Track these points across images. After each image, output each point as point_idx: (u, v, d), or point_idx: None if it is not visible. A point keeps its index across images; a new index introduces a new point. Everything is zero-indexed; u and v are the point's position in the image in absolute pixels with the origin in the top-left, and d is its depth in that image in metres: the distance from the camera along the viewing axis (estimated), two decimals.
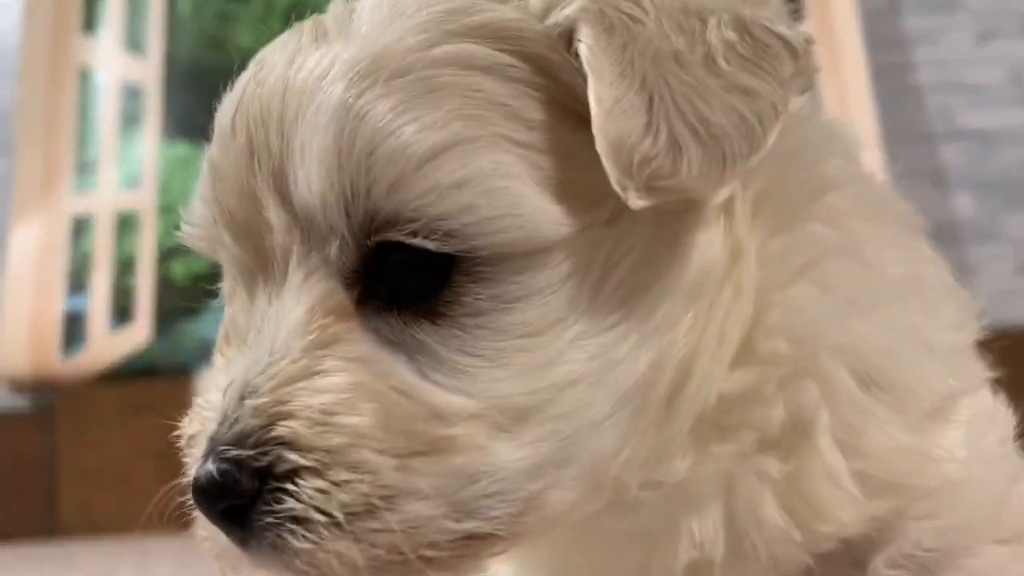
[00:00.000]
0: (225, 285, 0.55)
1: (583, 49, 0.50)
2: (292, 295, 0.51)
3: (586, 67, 0.50)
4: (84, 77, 2.06)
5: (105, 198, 2.01)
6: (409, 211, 0.49)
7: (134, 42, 2.08)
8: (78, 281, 1.96)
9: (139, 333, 1.93)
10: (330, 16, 0.54)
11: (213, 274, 0.58)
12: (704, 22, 0.51)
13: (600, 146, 0.48)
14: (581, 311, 0.51)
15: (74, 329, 1.93)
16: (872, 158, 1.37)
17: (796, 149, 0.57)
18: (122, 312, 1.95)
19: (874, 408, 0.56)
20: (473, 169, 0.49)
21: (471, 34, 0.51)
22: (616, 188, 0.48)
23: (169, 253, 1.94)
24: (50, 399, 1.91)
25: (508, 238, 0.49)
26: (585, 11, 0.51)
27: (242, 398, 0.49)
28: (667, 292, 0.52)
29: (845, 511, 0.55)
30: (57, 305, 1.94)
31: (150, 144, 2.03)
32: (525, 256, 0.50)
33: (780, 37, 0.52)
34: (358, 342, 0.50)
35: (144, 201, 2.00)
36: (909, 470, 0.56)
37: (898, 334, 0.57)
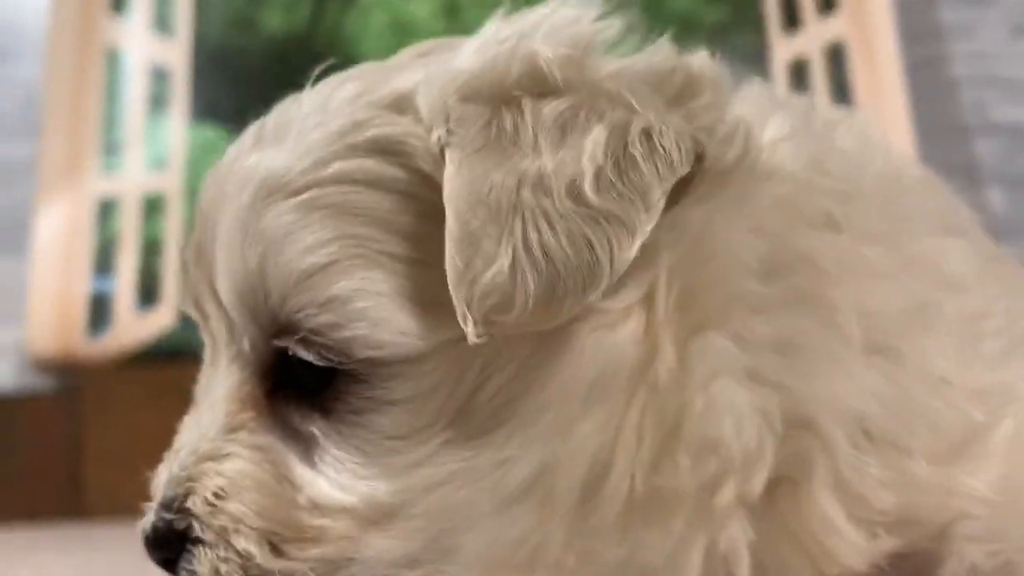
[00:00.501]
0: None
1: (446, 174, 0.50)
2: (220, 377, 0.56)
3: (445, 194, 0.50)
4: (112, 58, 2.06)
5: (132, 180, 2.01)
6: (294, 323, 0.53)
7: (163, 24, 2.08)
8: (104, 263, 1.96)
9: (165, 316, 1.93)
10: (272, 117, 0.57)
11: None
12: (587, 133, 0.50)
13: (448, 276, 0.49)
14: (451, 418, 0.52)
15: (100, 311, 1.93)
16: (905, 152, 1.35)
17: (744, 233, 0.54)
18: (148, 294, 1.95)
19: (872, 462, 0.54)
20: (339, 289, 0.52)
21: (366, 147, 0.53)
22: (460, 320, 0.49)
23: None
24: (76, 381, 1.92)
25: (373, 354, 0.52)
26: (456, 133, 0.51)
27: (177, 465, 0.56)
28: (557, 396, 0.52)
29: (849, 556, 0.54)
30: (83, 287, 1.94)
31: (177, 126, 2.03)
32: (395, 364, 0.52)
33: (660, 157, 0.50)
34: (259, 431, 0.55)
35: (171, 183, 2.00)
36: (930, 504, 0.55)
37: (902, 378, 0.55)
